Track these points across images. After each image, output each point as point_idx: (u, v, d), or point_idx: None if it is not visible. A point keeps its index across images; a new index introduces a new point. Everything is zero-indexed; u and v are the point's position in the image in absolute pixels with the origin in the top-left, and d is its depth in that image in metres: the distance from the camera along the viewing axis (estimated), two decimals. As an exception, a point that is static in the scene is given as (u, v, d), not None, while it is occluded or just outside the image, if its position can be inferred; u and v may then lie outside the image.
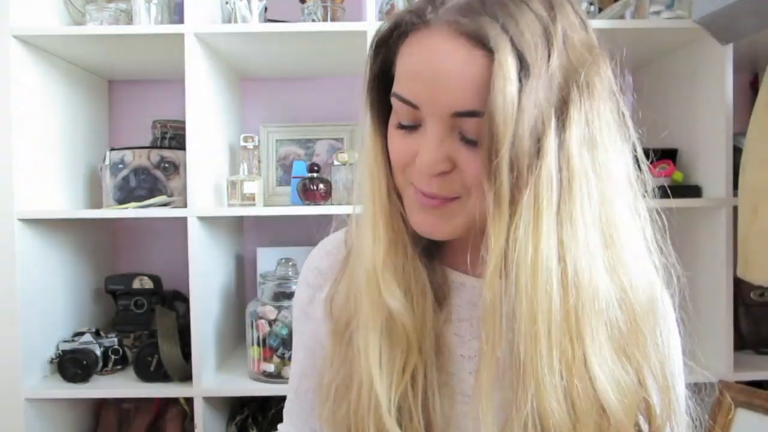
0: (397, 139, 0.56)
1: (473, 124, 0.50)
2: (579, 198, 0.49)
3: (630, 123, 0.54)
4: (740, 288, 1.36)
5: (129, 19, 1.34)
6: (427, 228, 0.56)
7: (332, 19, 1.35)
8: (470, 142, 0.51)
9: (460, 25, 0.49)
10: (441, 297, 0.61)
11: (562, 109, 0.49)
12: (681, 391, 0.58)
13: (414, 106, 0.53)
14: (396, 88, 0.55)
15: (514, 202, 0.49)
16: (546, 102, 0.48)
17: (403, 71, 0.54)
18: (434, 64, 0.50)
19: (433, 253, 0.62)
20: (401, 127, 0.55)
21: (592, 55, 0.51)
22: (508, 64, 0.47)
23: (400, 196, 0.59)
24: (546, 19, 0.49)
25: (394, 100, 0.55)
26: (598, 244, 0.50)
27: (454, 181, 0.53)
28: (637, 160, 0.55)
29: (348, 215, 0.66)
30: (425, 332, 0.57)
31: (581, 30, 0.51)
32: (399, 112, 0.55)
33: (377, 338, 0.56)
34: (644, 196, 0.55)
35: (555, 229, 0.49)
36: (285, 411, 0.74)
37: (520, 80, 0.47)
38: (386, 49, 0.58)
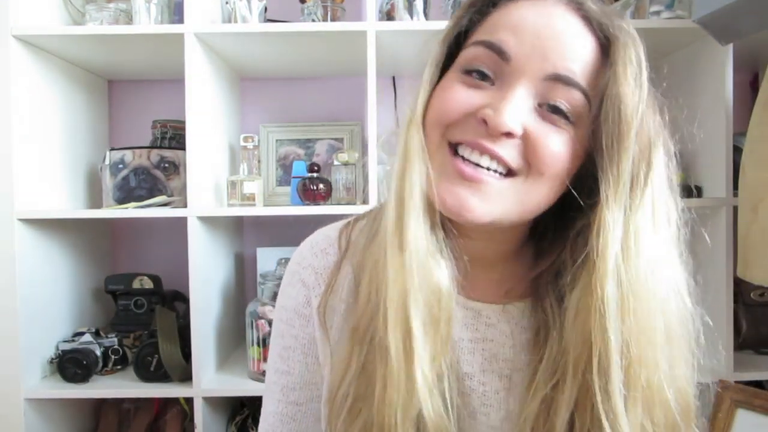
0: (458, 90, 0.51)
1: (565, 96, 0.49)
2: (671, 215, 0.52)
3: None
4: (740, 288, 1.36)
5: (129, 19, 1.34)
6: (459, 203, 0.49)
7: (332, 19, 1.35)
8: (557, 117, 0.49)
9: (581, 4, 0.50)
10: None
11: (657, 129, 0.51)
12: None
13: (504, 57, 0.49)
14: (483, 36, 0.51)
15: (633, 194, 0.49)
16: (652, 112, 0.51)
17: (503, 22, 0.50)
18: (547, 21, 0.49)
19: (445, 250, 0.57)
20: (466, 78, 0.51)
21: (654, 99, 0.53)
22: (632, 59, 0.48)
23: None
24: (639, 44, 0.51)
25: (473, 49, 0.51)
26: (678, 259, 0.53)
27: (517, 150, 0.49)
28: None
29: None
30: (450, 328, 0.54)
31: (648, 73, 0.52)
32: (474, 62, 0.50)
33: (419, 322, 0.50)
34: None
35: (666, 235, 0.51)
36: (264, 425, 0.66)
37: (637, 77, 0.49)
38: (478, 11, 0.54)
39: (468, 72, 0.51)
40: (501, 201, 0.50)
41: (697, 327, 0.55)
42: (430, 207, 0.52)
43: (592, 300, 0.49)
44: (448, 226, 0.54)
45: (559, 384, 0.51)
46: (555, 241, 0.56)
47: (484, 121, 0.49)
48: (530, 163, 0.49)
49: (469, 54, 0.52)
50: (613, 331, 0.48)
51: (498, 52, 0.49)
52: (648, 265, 0.49)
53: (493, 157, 0.49)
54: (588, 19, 0.50)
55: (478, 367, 0.58)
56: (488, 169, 0.50)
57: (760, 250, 1.04)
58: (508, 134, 0.48)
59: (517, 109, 0.48)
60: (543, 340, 0.55)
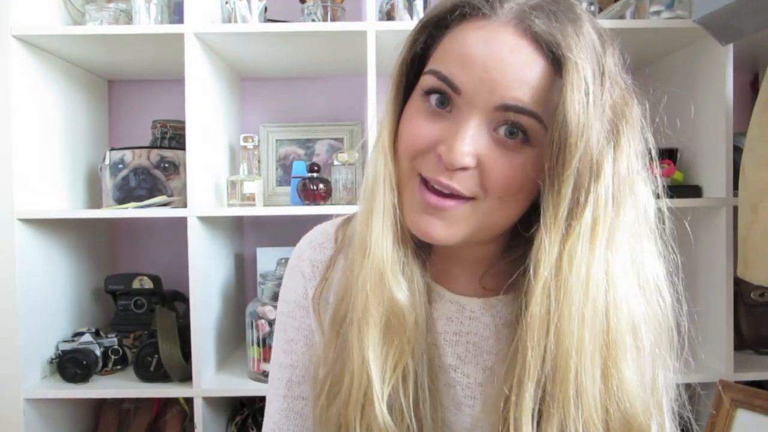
0: (419, 122, 0.53)
1: (518, 121, 0.49)
2: (623, 225, 0.51)
3: (654, 160, 0.56)
4: (740, 288, 1.36)
5: (129, 19, 1.34)
6: (427, 229, 0.53)
7: (332, 19, 1.35)
8: (511, 140, 0.50)
9: (529, 25, 0.49)
10: (425, 304, 0.60)
11: (614, 138, 0.50)
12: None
13: (455, 90, 0.51)
14: (437, 66, 0.52)
15: (571, 216, 0.49)
16: (604, 126, 0.49)
17: (453, 52, 0.51)
18: (494, 51, 0.49)
19: (421, 254, 0.60)
20: (426, 110, 0.53)
21: (630, 95, 0.53)
22: (581, 77, 0.47)
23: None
24: (599, 50, 0.50)
25: (429, 78, 0.52)
26: (632, 272, 0.52)
27: (472, 179, 0.51)
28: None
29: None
30: (419, 331, 0.57)
31: (621, 68, 0.53)
32: (430, 94, 0.52)
33: (377, 330, 0.55)
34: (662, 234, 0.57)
35: (605, 251, 0.50)
36: (269, 423, 0.67)
37: (587, 97, 0.48)
38: (430, 33, 0.56)
39: (428, 93, 0.53)
40: (464, 224, 0.53)
41: (661, 330, 0.55)
42: (396, 225, 0.56)
43: (522, 314, 0.52)
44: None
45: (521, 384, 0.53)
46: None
47: (441, 157, 0.51)
48: (485, 189, 0.52)
49: (426, 82, 0.53)
50: (533, 349, 0.50)
51: (449, 85, 0.51)
52: (582, 282, 0.49)
53: (452, 191, 0.52)
54: (537, 40, 0.49)
55: (462, 359, 0.61)
56: (450, 195, 0.52)
57: (760, 250, 1.04)
58: (463, 168, 0.51)
59: (468, 143, 0.50)
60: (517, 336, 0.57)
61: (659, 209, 0.57)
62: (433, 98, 0.52)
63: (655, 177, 0.56)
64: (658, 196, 0.56)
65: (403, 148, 0.54)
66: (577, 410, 0.50)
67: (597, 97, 0.49)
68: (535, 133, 0.50)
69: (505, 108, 0.49)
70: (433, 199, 0.52)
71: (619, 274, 0.51)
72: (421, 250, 0.59)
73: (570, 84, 0.47)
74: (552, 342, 0.50)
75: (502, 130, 0.50)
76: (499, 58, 0.49)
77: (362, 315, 0.55)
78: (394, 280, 0.55)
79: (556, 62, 0.49)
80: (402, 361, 0.55)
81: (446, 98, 0.52)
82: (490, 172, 0.51)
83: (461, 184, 0.51)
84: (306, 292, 0.66)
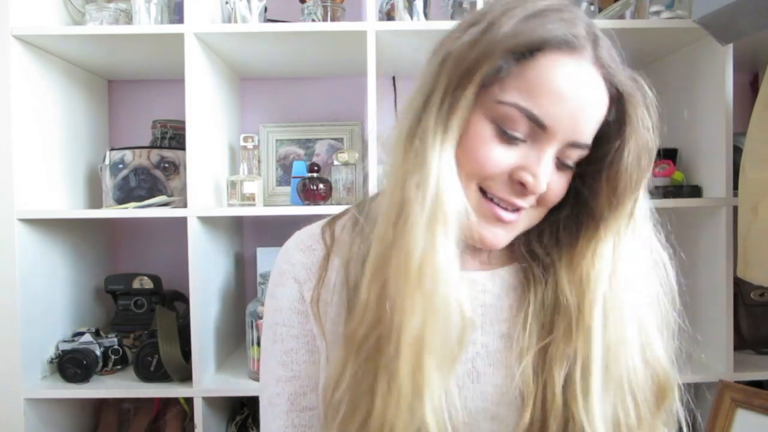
0: (493, 147, 0.55)
1: (578, 154, 0.57)
2: (644, 221, 0.60)
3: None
4: (740, 288, 1.36)
5: (129, 19, 1.34)
6: (494, 241, 0.58)
7: (332, 19, 1.35)
8: (564, 167, 0.58)
9: (601, 61, 0.55)
10: None
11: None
12: None
13: (542, 127, 0.54)
14: (523, 101, 0.53)
15: (622, 226, 0.58)
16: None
17: (542, 88, 0.53)
18: (582, 92, 0.54)
19: None
20: (500, 135, 0.55)
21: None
22: (643, 109, 0.56)
23: None
24: (647, 93, 0.58)
25: (513, 112, 0.54)
26: (652, 259, 0.61)
27: (534, 198, 0.58)
28: None
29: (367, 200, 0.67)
30: (462, 351, 0.58)
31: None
32: (511, 125, 0.55)
33: (432, 359, 0.52)
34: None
35: (642, 248, 0.60)
36: None
37: (649, 130, 0.57)
38: (512, 57, 0.54)
39: (503, 132, 0.55)
40: (517, 229, 0.60)
41: (675, 324, 0.63)
42: (457, 245, 0.55)
43: (581, 314, 0.58)
44: None
45: (551, 343, 0.59)
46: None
47: (521, 183, 0.56)
48: (541, 202, 0.59)
49: (506, 114, 0.54)
50: (596, 342, 0.57)
51: (537, 123, 0.54)
52: (629, 283, 0.58)
53: (518, 208, 0.58)
54: (608, 79, 0.56)
55: (480, 331, 0.62)
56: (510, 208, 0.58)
57: (760, 250, 1.04)
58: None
59: (548, 172, 0.56)
60: (526, 290, 0.63)
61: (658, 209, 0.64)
62: (513, 132, 0.55)
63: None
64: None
65: (474, 169, 0.56)
66: (629, 390, 0.58)
67: (651, 126, 0.57)
68: (580, 158, 0.58)
69: (576, 145, 0.56)
70: (507, 215, 0.57)
71: (646, 263, 0.60)
72: None
73: (636, 114, 0.56)
74: (611, 333, 0.57)
75: (559, 161, 0.57)
76: (583, 99, 0.54)
77: (417, 344, 0.52)
78: (465, 302, 0.55)
79: (615, 94, 0.56)
80: (448, 376, 0.56)
81: (521, 137, 0.56)
82: (550, 192, 0.58)
83: (528, 204, 0.58)
84: (302, 296, 0.64)
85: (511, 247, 0.64)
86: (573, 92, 0.53)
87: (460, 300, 0.54)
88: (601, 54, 0.55)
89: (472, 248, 0.63)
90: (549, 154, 0.55)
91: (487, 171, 0.55)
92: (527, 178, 0.55)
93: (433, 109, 0.54)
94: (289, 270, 0.65)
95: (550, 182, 0.56)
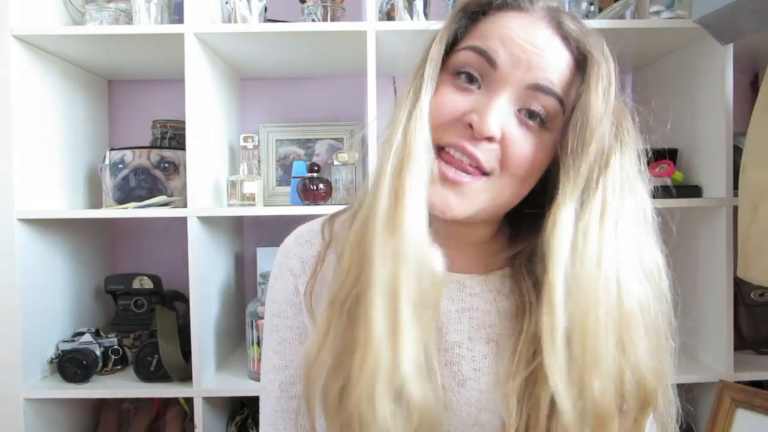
0: (448, 95, 0.56)
1: (544, 103, 0.55)
2: (627, 214, 0.55)
3: (644, 165, 0.59)
4: (740, 288, 1.36)
5: (129, 19, 1.34)
6: (444, 204, 0.55)
7: (332, 19, 1.35)
8: (533, 122, 0.55)
9: (561, 23, 0.56)
10: None
11: (619, 137, 0.56)
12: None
13: (493, 64, 0.55)
14: (474, 42, 0.56)
15: (584, 197, 0.54)
16: (611, 122, 0.55)
17: (493, 31, 0.56)
18: (532, 37, 0.55)
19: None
20: (455, 85, 0.56)
21: (624, 107, 0.59)
22: (604, 75, 0.55)
23: None
24: (609, 58, 0.57)
25: (466, 53, 0.56)
26: (636, 255, 0.56)
27: (493, 153, 0.55)
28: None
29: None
30: (435, 312, 0.56)
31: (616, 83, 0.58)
32: (464, 65, 0.56)
33: (409, 307, 0.52)
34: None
35: (614, 232, 0.54)
36: (265, 427, 0.66)
37: (606, 91, 0.55)
38: (464, 19, 0.59)
39: (457, 73, 0.57)
40: (476, 199, 0.56)
41: (662, 313, 0.58)
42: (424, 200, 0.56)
43: (546, 289, 0.54)
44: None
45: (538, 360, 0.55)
46: (529, 228, 0.62)
47: (470, 125, 0.54)
48: (504, 165, 0.56)
49: (460, 57, 0.57)
50: (559, 318, 0.53)
51: (487, 58, 0.55)
52: (595, 258, 0.53)
53: (473, 160, 0.55)
54: (566, 37, 0.56)
55: (466, 334, 0.62)
56: (469, 165, 0.56)
57: (760, 250, 1.04)
58: (489, 138, 0.54)
59: (499, 115, 0.54)
60: (521, 314, 0.60)
61: (657, 210, 0.60)
62: (463, 76, 0.56)
63: (650, 181, 0.60)
64: (654, 197, 0.60)
65: (436, 117, 0.56)
66: (596, 376, 0.52)
67: (610, 95, 0.55)
68: (553, 117, 0.56)
69: (537, 87, 0.54)
70: (451, 172, 0.55)
71: (626, 255, 0.55)
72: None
73: (595, 73, 0.54)
74: (572, 309, 0.53)
75: (524, 113, 0.55)
76: (537, 43, 0.54)
77: (390, 291, 0.52)
78: (431, 251, 0.54)
79: (579, 59, 0.56)
80: (426, 334, 0.54)
81: (476, 76, 0.56)
82: (512, 149, 0.55)
83: (483, 155, 0.55)
84: (297, 289, 0.66)
85: (505, 253, 0.64)
86: (523, 35, 0.55)
87: (429, 249, 0.54)
88: (557, 15, 0.56)
89: (463, 249, 0.63)
90: (500, 97, 0.54)
91: (440, 118, 0.56)
92: (473, 117, 0.54)
93: (410, 81, 0.58)
94: (285, 263, 0.67)
95: (510, 137, 0.54)
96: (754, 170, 1.06)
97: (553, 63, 0.55)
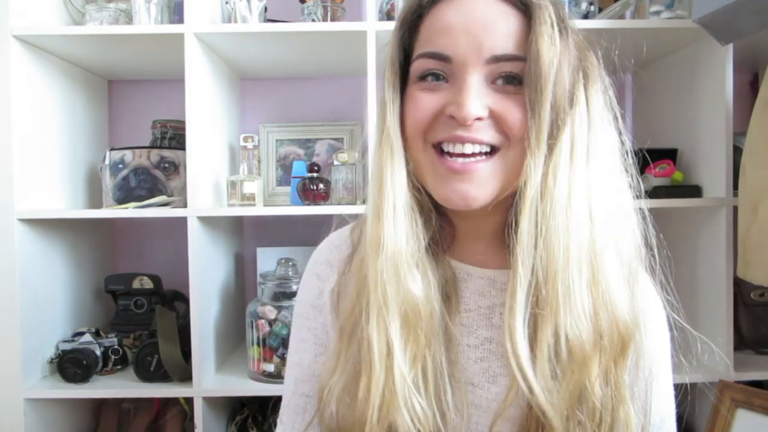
0: (420, 99, 0.57)
1: (510, 68, 0.54)
2: (600, 147, 0.56)
3: (614, 101, 0.60)
4: (740, 288, 1.36)
5: (129, 19, 1.34)
6: (462, 195, 0.56)
7: (332, 19, 1.35)
8: (511, 86, 0.55)
9: None
10: (449, 288, 0.62)
11: (583, 75, 0.56)
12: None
13: (445, 59, 0.55)
14: (423, 48, 0.57)
15: (552, 138, 0.54)
16: (574, 60, 0.56)
17: (433, 30, 0.57)
18: (470, 15, 0.55)
19: (439, 245, 0.62)
20: (423, 84, 0.57)
21: (587, 44, 0.59)
22: (548, 17, 0.54)
23: (417, 188, 0.59)
24: (554, 10, 0.56)
25: (419, 62, 0.57)
26: (608, 190, 0.57)
27: (490, 129, 0.55)
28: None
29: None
30: (434, 323, 0.58)
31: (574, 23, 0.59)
32: (424, 71, 0.57)
33: (397, 323, 0.55)
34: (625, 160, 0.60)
35: (585, 168, 0.55)
36: (281, 417, 0.70)
37: (553, 30, 0.54)
38: (409, 28, 0.60)
39: (423, 78, 0.57)
40: (494, 180, 0.56)
41: (639, 248, 0.58)
42: (411, 216, 0.58)
43: (516, 230, 0.55)
44: (443, 218, 0.62)
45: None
46: None
47: (452, 117, 0.55)
48: (507, 135, 0.55)
49: (417, 66, 0.58)
50: (523, 262, 0.54)
51: (440, 57, 0.56)
52: (565, 196, 0.54)
53: (474, 142, 0.55)
54: None
55: (497, 330, 0.62)
56: (473, 154, 0.56)
57: (760, 250, 1.04)
58: (478, 119, 0.54)
59: (474, 96, 0.54)
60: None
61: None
62: (428, 77, 0.57)
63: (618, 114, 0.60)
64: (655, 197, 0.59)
65: (412, 126, 0.57)
66: (567, 313, 0.53)
67: (563, 33, 0.55)
68: (524, 74, 0.55)
69: (496, 59, 0.54)
70: (458, 164, 0.55)
71: (598, 191, 0.56)
72: (442, 238, 0.62)
73: (538, 19, 0.54)
74: (542, 250, 0.54)
75: (500, 81, 0.55)
76: (476, 19, 0.54)
77: (382, 308, 0.56)
78: (409, 272, 0.56)
79: (526, 11, 0.55)
80: (420, 353, 0.56)
81: (440, 74, 0.56)
82: (505, 116, 0.55)
83: (480, 133, 0.55)
84: (321, 292, 0.68)
85: None
86: (460, 17, 0.55)
87: (408, 277, 0.56)
88: None
89: (488, 244, 0.63)
90: (468, 80, 0.54)
91: (420, 120, 0.56)
92: (452, 109, 0.55)
93: (378, 109, 0.60)
94: (314, 267, 0.70)
95: (497, 108, 0.55)
96: (754, 170, 1.06)
97: (500, 30, 0.54)
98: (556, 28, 0.54)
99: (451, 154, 0.56)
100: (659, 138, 1.45)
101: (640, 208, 0.59)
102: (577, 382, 0.54)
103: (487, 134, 0.55)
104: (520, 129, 0.55)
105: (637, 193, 0.59)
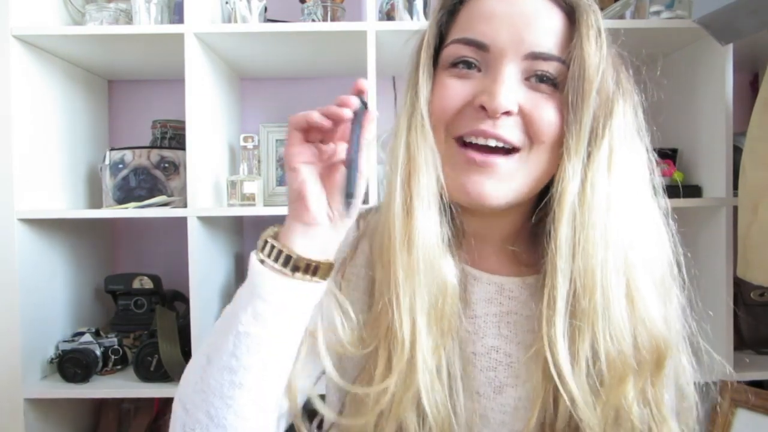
0: (450, 84, 0.55)
1: (547, 68, 0.53)
2: (634, 160, 0.55)
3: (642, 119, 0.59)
4: (740, 288, 1.36)
5: (129, 19, 1.34)
6: (477, 190, 0.54)
7: (332, 19, 1.35)
8: (544, 85, 0.53)
9: None
10: (460, 290, 0.60)
11: (620, 85, 0.56)
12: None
13: (483, 47, 0.53)
14: (460, 34, 0.56)
15: (590, 145, 0.53)
16: (610, 70, 0.55)
17: (475, 16, 0.55)
18: (516, 7, 0.53)
19: (451, 244, 0.60)
20: (454, 70, 0.55)
21: (620, 56, 0.59)
22: (593, 23, 0.54)
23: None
24: (597, 10, 0.56)
25: (454, 47, 0.55)
26: (643, 205, 0.56)
27: (516, 127, 0.53)
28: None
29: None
30: (454, 319, 0.57)
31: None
32: (457, 57, 0.55)
33: (423, 319, 0.54)
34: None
35: (623, 180, 0.54)
36: None
37: (599, 39, 0.54)
38: (447, 13, 0.58)
39: (454, 65, 0.55)
40: (513, 180, 0.54)
41: (672, 265, 0.58)
42: (439, 206, 0.55)
43: (552, 240, 0.54)
44: (460, 216, 0.59)
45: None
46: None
47: (482, 108, 0.53)
48: (531, 136, 0.54)
49: (451, 52, 0.56)
50: (562, 270, 0.53)
51: (477, 45, 0.54)
52: (603, 207, 0.53)
53: (498, 139, 0.53)
54: None
55: (505, 338, 0.60)
56: (495, 148, 0.54)
57: (760, 250, 1.04)
58: (507, 113, 0.53)
59: (508, 88, 0.52)
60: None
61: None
62: (460, 65, 0.55)
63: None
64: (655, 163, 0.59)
65: (438, 114, 0.55)
66: (606, 325, 0.52)
67: (603, 42, 0.54)
68: (562, 77, 0.54)
69: (534, 56, 0.53)
70: (479, 156, 0.53)
71: (635, 204, 0.55)
72: (455, 237, 0.60)
73: (585, 22, 0.53)
74: (579, 260, 0.53)
75: (533, 79, 0.54)
76: (522, 12, 0.53)
77: (409, 305, 0.54)
78: (446, 263, 0.55)
79: (569, 12, 0.54)
80: (439, 346, 0.55)
81: (474, 62, 0.55)
82: (533, 116, 0.53)
83: (506, 131, 0.53)
84: None
85: (543, 249, 0.61)
86: (504, 6, 0.53)
87: (441, 260, 0.55)
88: None
89: (498, 249, 0.62)
90: (504, 72, 0.53)
91: (447, 109, 0.55)
92: (483, 99, 0.53)
93: (404, 90, 0.58)
94: None
95: (527, 106, 0.53)
96: (754, 170, 1.06)
97: (543, 26, 0.53)
98: (602, 35, 0.54)
99: (472, 146, 0.54)
100: (659, 138, 1.45)
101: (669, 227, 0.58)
102: (616, 398, 0.53)
103: (513, 134, 0.53)
104: (546, 132, 0.53)
105: (664, 212, 0.58)
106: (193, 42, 1.23)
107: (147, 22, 1.30)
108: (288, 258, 0.51)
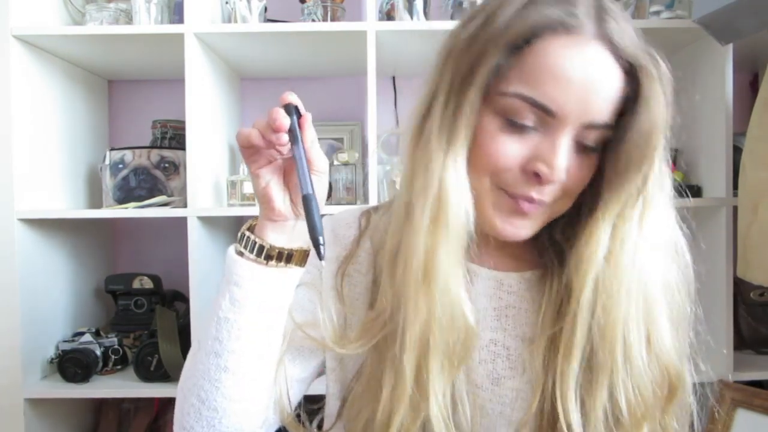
0: (503, 139, 0.53)
1: (597, 135, 0.53)
2: (663, 201, 0.56)
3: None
4: (740, 288, 1.36)
5: (129, 19, 1.34)
6: (516, 232, 0.56)
7: (332, 19, 1.35)
8: (590, 149, 0.54)
9: (609, 36, 0.51)
10: None
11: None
12: None
13: (550, 113, 0.51)
14: (526, 90, 0.51)
15: (627, 205, 0.54)
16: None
17: (545, 70, 0.51)
18: (590, 73, 0.51)
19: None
20: (508, 126, 0.53)
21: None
22: (658, 88, 0.53)
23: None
24: (661, 70, 0.56)
25: (516, 101, 0.52)
26: (669, 241, 0.57)
27: (556, 188, 0.55)
28: None
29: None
30: (465, 360, 0.57)
31: None
32: (517, 116, 0.52)
33: (437, 361, 0.54)
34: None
35: (652, 232, 0.55)
36: None
37: (665, 107, 0.54)
38: (509, 51, 0.52)
39: (512, 122, 0.53)
40: (539, 221, 0.57)
41: (692, 323, 0.60)
42: (465, 247, 0.55)
43: (573, 297, 0.55)
44: None
45: (560, 332, 0.57)
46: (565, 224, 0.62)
47: (536, 174, 0.53)
48: (564, 190, 0.55)
49: (511, 105, 0.52)
50: (581, 325, 0.55)
51: (543, 110, 0.51)
52: (630, 263, 0.54)
53: (542, 204, 0.55)
54: (616, 52, 0.52)
55: (504, 331, 0.62)
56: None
57: (760, 250, 1.04)
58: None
59: (565, 157, 0.52)
60: (557, 315, 0.59)
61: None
62: (520, 121, 0.53)
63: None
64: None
65: (486, 167, 0.54)
66: (627, 375, 0.54)
67: (667, 110, 0.54)
68: (604, 140, 0.54)
69: (593, 126, 0.52)
70: (527, 206, 0.55)
71: (661, 248, 0.56)
72: None
73: (654, 94, 0.53)
74: (600, 315, 0.54)
75: (582, 144, 0.54)
76: (592, 77, 0.51)
77: (421, 343, 0.53)
78: (468, 307, 0.55)
79: (629, 69, 0.53)
80: (454, 376, 0.56)
81: (533, 123, 0.53)
82: (573, 179, 0.54)
83: (548, 195, 0.54)
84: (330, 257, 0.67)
85: (541, 245, 0.62)
86: (576, 73, 0.50)
87: (463, 304, 0.54)
88: (606, 28, 0.51)
89: (500, 247, 0.62)
90: (563, 140, 0.52)
91: (498, 165, 0.53)
92: (541, 168, 0.52)
93: (437, 111, 0.54)
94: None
95: (572, 171, 0.53)
96: (754, 170, 1.06)
97: (608, 94, 0.52)
98: (667, 100, 0.54)
99: (516, 195, 0.55)
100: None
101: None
102: None
103: (552, 195, 0.55)
104: (578, 189, 0.55)
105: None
106: (193, 42, 1.23)
107: (147, 22, 1.30)
108: (261, 248, 0.57)
